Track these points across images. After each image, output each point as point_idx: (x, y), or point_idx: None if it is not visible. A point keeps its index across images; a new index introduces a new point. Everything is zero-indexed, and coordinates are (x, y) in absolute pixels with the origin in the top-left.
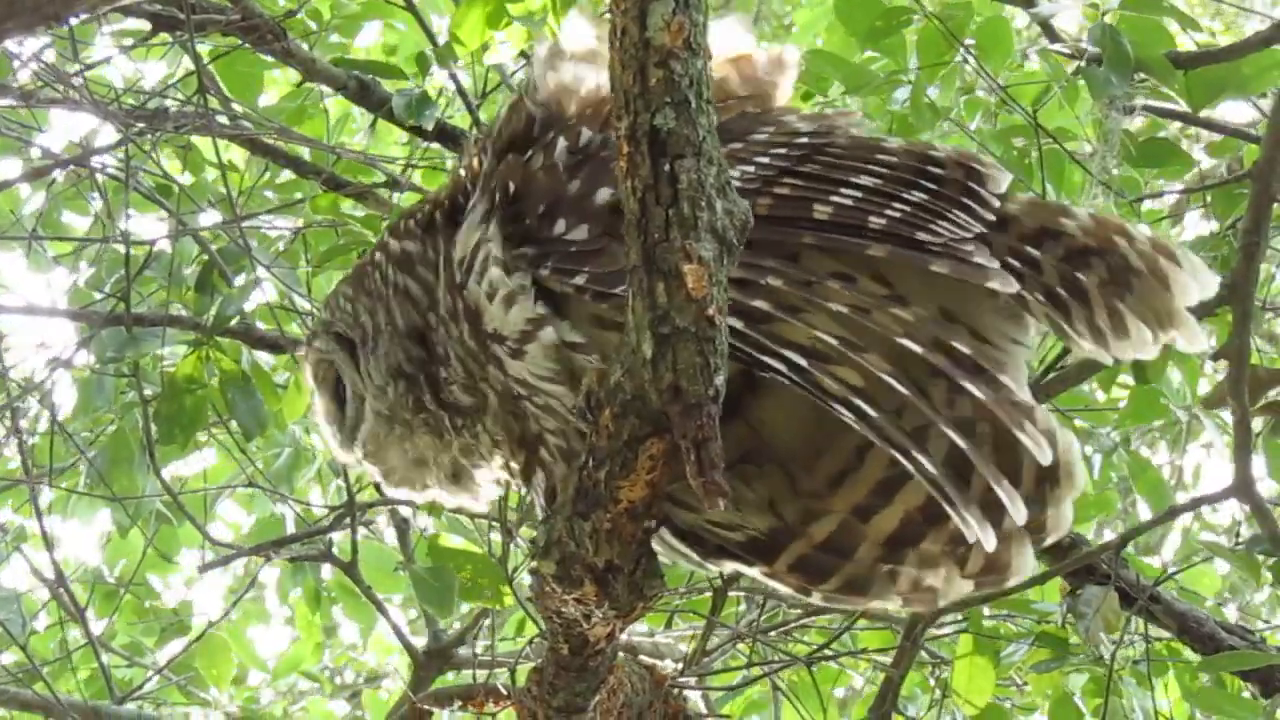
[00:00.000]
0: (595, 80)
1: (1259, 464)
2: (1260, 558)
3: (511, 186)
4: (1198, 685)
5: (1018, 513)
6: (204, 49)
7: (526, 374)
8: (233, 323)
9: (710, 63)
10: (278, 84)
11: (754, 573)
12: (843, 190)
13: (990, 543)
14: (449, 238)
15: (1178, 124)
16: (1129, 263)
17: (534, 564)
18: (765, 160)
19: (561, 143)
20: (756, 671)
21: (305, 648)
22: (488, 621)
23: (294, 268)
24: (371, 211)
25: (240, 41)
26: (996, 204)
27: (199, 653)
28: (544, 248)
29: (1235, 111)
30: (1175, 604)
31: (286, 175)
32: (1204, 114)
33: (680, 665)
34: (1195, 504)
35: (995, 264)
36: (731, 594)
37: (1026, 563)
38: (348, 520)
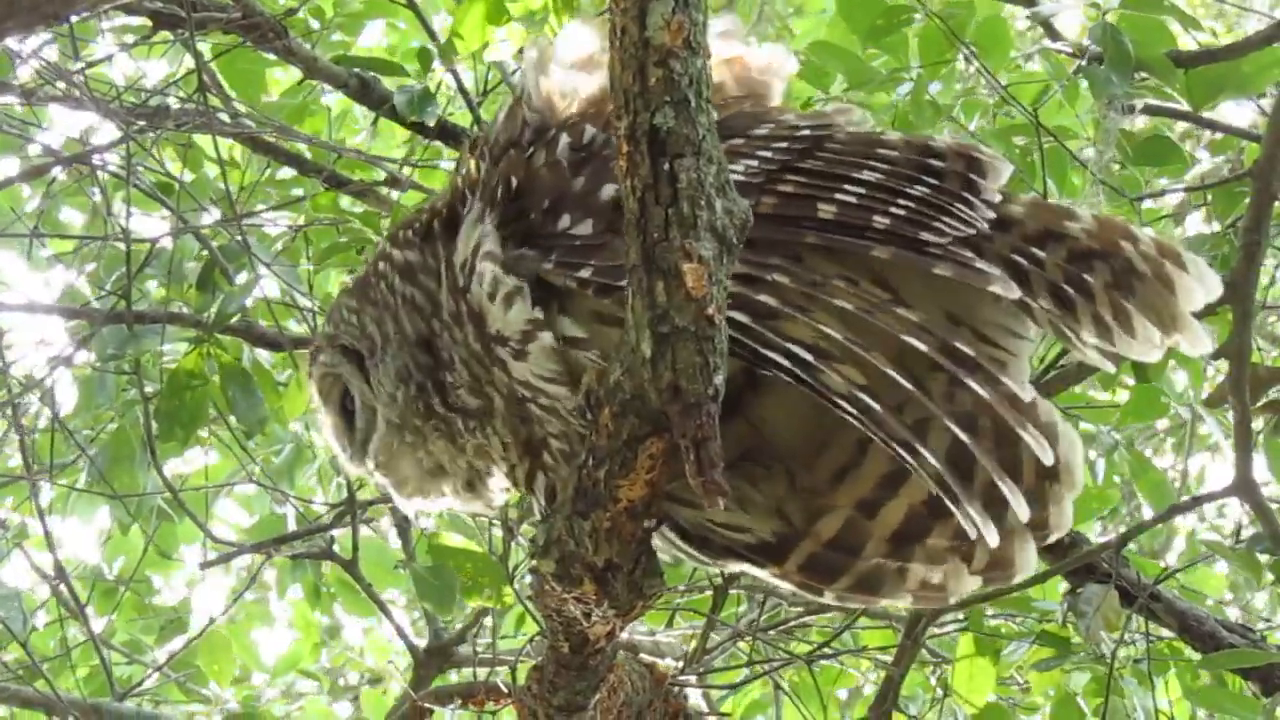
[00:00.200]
0: (588, 85)
1: (1260, 463)
2: (1261, 557)
3: (514, 181)
4: (1198, 684)
5: (1021, 508)
6: (205, 47)
7: (530, 375)
8: (233, 320)
9: (709, 62)
10: (279, 84)
11: (763, 574)
12: (846, 187)
13: (993, 538)
14: (448, 245)
15: (1181, 124)
16: (1133, 266)
17: (534, 563)
18: (768, 155)
19: (564, 139)
20: (757, 670)
21: (304, 646)
22: (488, 620)
23: (295, 265)
24: (371, 209)
25: (241, 39)
26: (998, 197)
27: (201, 650)
28: (548, 243)
29: (1237, 112)
30: (1176, 602)
31: (288, 173)
32: (1205, 114)
33: (681, 663)
34: (1195, 502)
35: (996, 270)
36: (732, 592)
37: (1029, 560)
38: (349, 518)
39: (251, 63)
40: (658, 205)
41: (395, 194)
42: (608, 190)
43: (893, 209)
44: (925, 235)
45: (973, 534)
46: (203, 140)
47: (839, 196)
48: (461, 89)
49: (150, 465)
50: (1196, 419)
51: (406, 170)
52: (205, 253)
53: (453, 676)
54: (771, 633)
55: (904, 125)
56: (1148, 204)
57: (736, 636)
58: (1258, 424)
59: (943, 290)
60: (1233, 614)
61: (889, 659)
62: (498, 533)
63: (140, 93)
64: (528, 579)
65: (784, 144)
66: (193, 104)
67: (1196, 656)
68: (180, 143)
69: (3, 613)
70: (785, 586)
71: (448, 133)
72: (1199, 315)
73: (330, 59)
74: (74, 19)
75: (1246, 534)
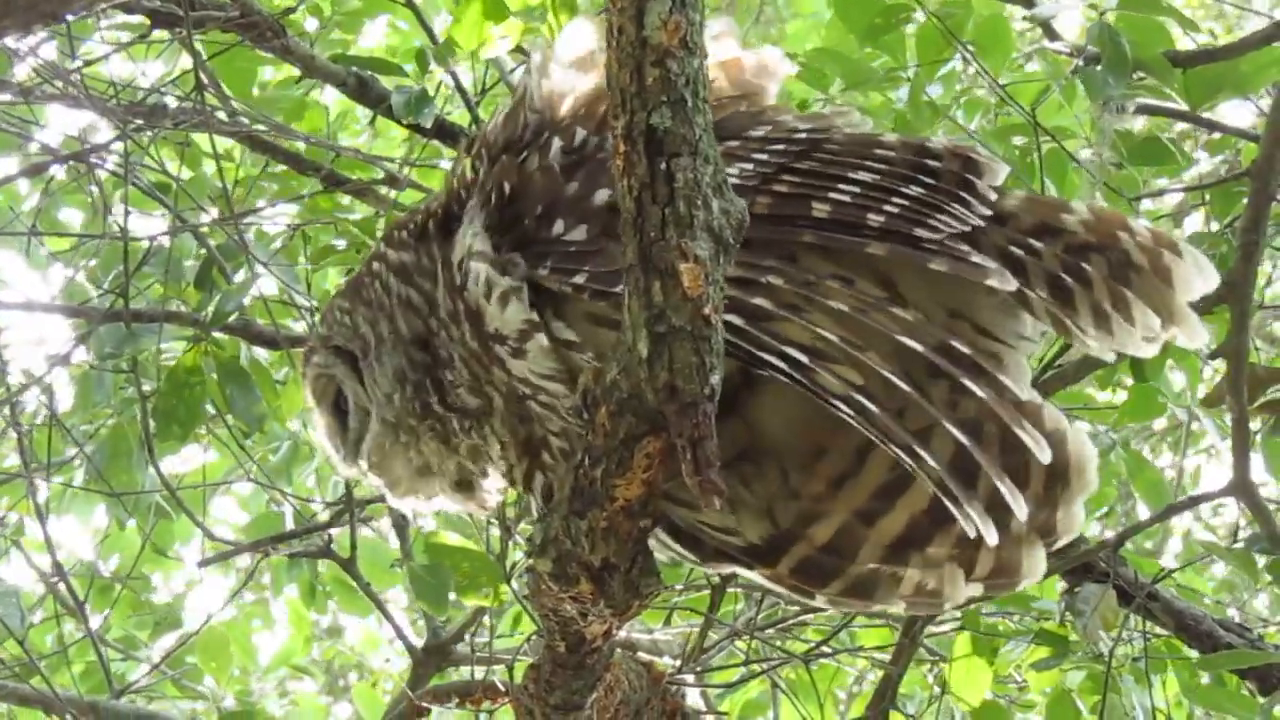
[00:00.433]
0: (583, 84)
1: (1258, 463)
2: (1259, 558)
3: (507, 187)
4: (1196, 682)
5: (1020, 509)
6: (203, 45)
7: (529, 373)
8: (231, 319)
9: (706, 62)
10: (274, 83)
11: (755, 576)
12: (841, 186)
13: (992, 538)
14: (444, 244)
15: (1181, 124)
16: (1130, 258)
17: (530, 561)
18: (764, 157)
19: (556, 143)
20: (755, 669)
21: (297, 641)
22: (486, 618)
23: (293, 264)
24: (369, 209)
25: (239, 38)
26: (993, 196)
27: (199, 648)
28: (542, 248)
29: (1236, 112)
30: (1173, 602)
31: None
32: (1204, 114)
33: (678, 662)
34: (1193, 501)
35: (993, 263)
36: (730, 591)
37: (1038, 565)
38: (347, 517)
39: (249, 61)
40: (654, 205)
41: (393, 193)
42: (601, 195)
43: (887, 207)
44: (920, 231)
45: (971, 533)
46: (200, 139)
47: (833, 195)
48: (460, 88)
49: (148, 463)
50: (1194, 419)
51: (406, 170)
52: (203, 251)
53: (451, 675)
54: (769, 631)
55: (902, 126)
56: (1146, 204)
57: (734, 635)
58: (1255, 424)
59: (941, 286)
60: (1231, 614)
61: (887, 657)
62: (496, 532)
63: (137, 91)
64: (525, 577)
65: (781, 145)
66: (190, 103)
67: (1194, 655)
68: (178, 141)
69: (1, 610)
70: (778, 589)
71: (446, 132)
72: (1196, 311)
73: (328, 57)
74: (71, 18)
75: (1244, 534)
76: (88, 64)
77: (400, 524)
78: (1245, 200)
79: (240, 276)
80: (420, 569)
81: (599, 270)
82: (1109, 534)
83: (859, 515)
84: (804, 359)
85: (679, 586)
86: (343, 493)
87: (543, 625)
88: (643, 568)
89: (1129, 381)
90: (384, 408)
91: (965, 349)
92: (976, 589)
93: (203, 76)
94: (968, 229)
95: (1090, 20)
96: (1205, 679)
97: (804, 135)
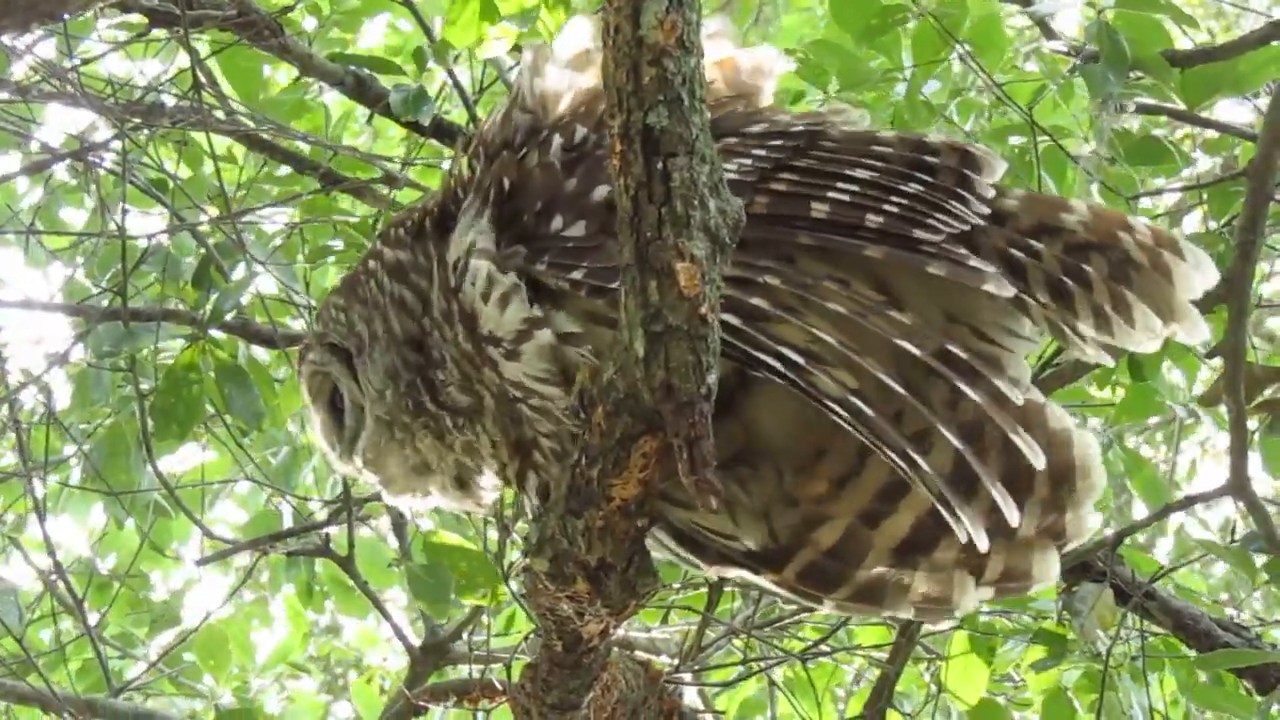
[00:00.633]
0: (581, 82)
1: (1255, 462)
2: (1256, 556)
3: (506, 183)
4: (1193, 681)
5: (1011, 514)
6: (202, 45)
7: (522, 376)
8: (229, 317)
9: (703, 61)
10: (279, 85)
11: (761, 581)
12: (839, 185)
13: (983, 543)
14: (440, 244)
15: (1181, 124)
16: (1130, 257)
17: (527, 561)
18: (762, 153)
19: (556, 140)
20: (752, 667)
21: (294, 638)
22: (484, 617)
23: (291, 263)
24: (368, 208)
25: (237, 37)
26: (991, 192)
27: (197, 646)
28: (540, 244)
29: (1235, 111)
30: (1171, 601)
31: (285, 170)
32: (1202, 113)
33: (675, 661)
34: (1191, 501)
35: (991, 267)
36: (727, 589)
37: (1050, 569)
38: (344, 515)
39: (249, 60)
40: (651, 204)
41: (392, 192)
42: (600, 191)
43: (885, 207)
44: (919, 233)
45: (962, 537)
46: (198, 137)
47: (831, 195)
48: (458, 87)
49: (146, 462)
50: (1191, 415)
51: (404, 169)
52: (201, 250)
53: (449, 674)
54: (766, 630)
55: (900, 125)
56: (1145, 203)
57: (731, 633)
58: (1252, 423)
59: (939, 288)
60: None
61: (884, 656)
62: (493, 531)
63: (135, 89)
64: (522, 577)
65: (778, 141)
66: (188, 102)
67: (1192, 654)
68: (176, 140)
69: None
70: (783, 593)
71: (444, 131)
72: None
73: (326, 56)
74: (69, 17)
75: (1240, 532)
76: (85, 62)
77: (399, 523)
78: (1243, 200)
79: (238, 275)
80: (419, 568)
81: (597, 266)
82: (1106, 532)
83: (863, 517)
84: (800, 360)
85: (676, 585)
86: (340, 492)
87: (540, 624)
88: (639, 567)
89: (1126, 380)
90: (377, 405)
91: (962, 354)
92: (987, 594)
93: (200, 75)
94: (967, 228)
95: (1088, 18)
96: (1203, 678)
97: (801, 129)
